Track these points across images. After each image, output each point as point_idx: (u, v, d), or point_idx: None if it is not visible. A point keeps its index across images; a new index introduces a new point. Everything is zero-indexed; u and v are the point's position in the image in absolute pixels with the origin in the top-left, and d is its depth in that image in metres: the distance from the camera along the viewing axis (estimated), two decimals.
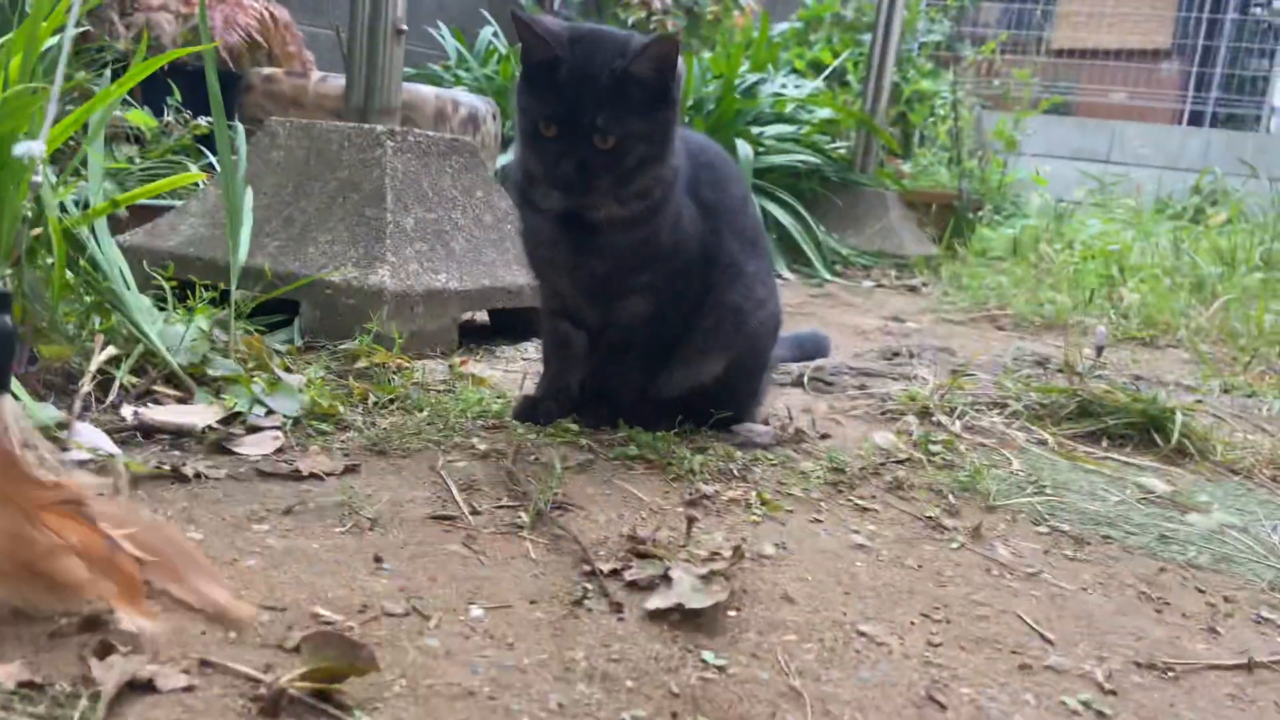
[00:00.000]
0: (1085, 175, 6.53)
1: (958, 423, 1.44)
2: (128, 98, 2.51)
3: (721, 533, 0.95)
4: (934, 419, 1.46)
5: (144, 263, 1.75)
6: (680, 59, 1.08)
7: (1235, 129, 7.76)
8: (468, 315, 1.85)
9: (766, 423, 1.34)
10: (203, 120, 2.38)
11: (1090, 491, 1.22)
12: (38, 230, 1.06)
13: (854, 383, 1.65)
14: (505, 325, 1.90)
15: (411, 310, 1.62)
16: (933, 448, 1.28)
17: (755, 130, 3.94)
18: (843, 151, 4.33)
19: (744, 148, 3.69)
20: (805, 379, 1.64)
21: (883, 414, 1.48)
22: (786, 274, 3.60)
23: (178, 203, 2.31)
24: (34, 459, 0.73)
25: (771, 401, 1.49)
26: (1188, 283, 3.46)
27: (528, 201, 1.16)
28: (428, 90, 2.68)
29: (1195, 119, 8.12)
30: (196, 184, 2.45)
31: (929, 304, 3.24)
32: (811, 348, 1.68)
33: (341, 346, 1.46)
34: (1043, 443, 1.41)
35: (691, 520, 0.91)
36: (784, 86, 4.27)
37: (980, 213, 4.59)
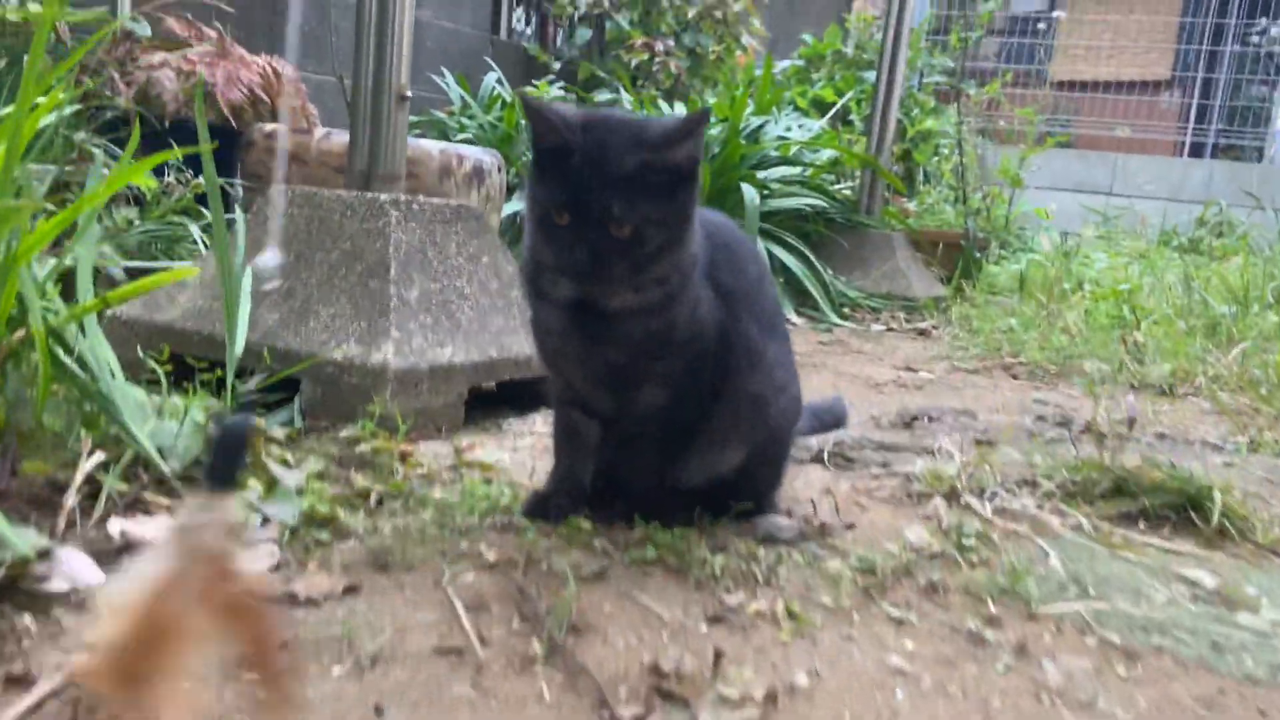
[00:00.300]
0: (1089, 209, 6.50)
1: (988, 506, 1.38)
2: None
3: (750, 664, 0.88)
4: (963, 501, 1.40)
5: (140, 339, 1.71)
6: (700, 148, 1.03)
7: (1237, 160, 7.74)
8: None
9: (789, 513, 1.27)
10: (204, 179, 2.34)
11: (1135, 589, 1.15)
12: (22, 331, 1.01)
13: (876, 458, 1.59)
14: (513, 394, 1.85)
15: (416, 387, 1.56)
16: (966, 541, 1.21)
17: (760, 174, 3.91)
18: (848, 192, 4.29)
19: (749, 192, 3.65)
20: (825, 455, 1.58)
21: (909, 495, 1.42)
22: (795, 319, 3.55)
23: (176, 264, 2.27)
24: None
25: (791, 481, 1.43)
26: (1201, 324, 3.40)
27: (538, 291, 1.11)
28: (432, 145, 2.64)
29: (1196, 150, 8.12)
30: (198, 244, 2.42)
31: (940, 349, 3.19)
32: (829, 418, 1.62)
33: (344, 434, 1.40)
34: (1078, 527, 1.34)
35: (719, 655, 0.85)
36: (788, 129, 4.24)
37: (987, 251, 4.55)
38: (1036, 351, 3.05)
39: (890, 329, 3.58)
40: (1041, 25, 7.23)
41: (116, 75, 2.53)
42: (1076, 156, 7.22)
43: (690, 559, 1.09)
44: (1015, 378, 2.85)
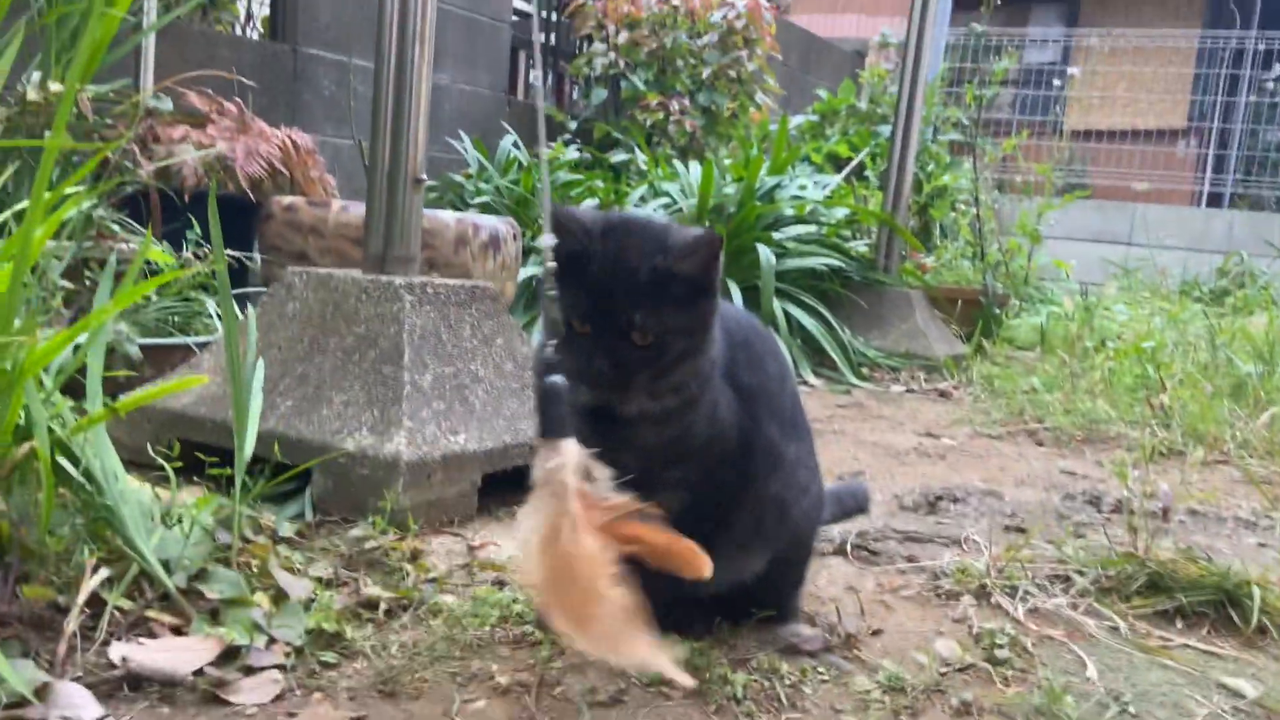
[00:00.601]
0: (1108, 261, 6.46)
1: (1020, 607, 1.33)
2: (143, 232, 2.48)
3: None
4: (993, 600, 1.35)
5: (151, 425, 1.69)
6: (720, 256, 1.01)
7: (1255, 209, 7.69)
8: None
9: (813, 619, 1.23)
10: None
11: (1175, 703, 1.10)
12: (27, 445, 0.99)
13: (901, 550, 1.54)
14: (526, 477, 1.81)
15: (428, 478, 1.54)
16: (999, 652, 1.17)
17: (776, 233, 3.90)
18: (864, 249, 4.28)
19: (765, 253, 3.64)
20: (848, 546, 1.54)
21: (937, 594, 1.37)
22: (812, 380, 3.51)
23: (191, 340, 2.26)
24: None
25: (813, 576, 1.39)
26: (1227, 384, 3.34)
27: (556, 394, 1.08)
28: (448, 216, 2.65)
29: (1214, 199, 8.08)
30: (211, 317, 2.41)
31: (962, 412, 3.14)
32: (851, 503, 1.58)
33: (353, 532, 1.38)
34: (1114, 629, 1.29)
35: None
36: (803, 187, 4.24)
37: (1006, 307, 4.51)
38: (1061, 416, 3.00)
39: (910, 390, 3.53)
40: (1057, 82, 7.25)
41: (137, 150, 2.55)
42: (1094, 207, 7.19)
43: (710, 677, 1.04)
44: (1040, 444, 2.80)
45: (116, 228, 2.34)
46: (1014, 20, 8.98)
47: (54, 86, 2.32)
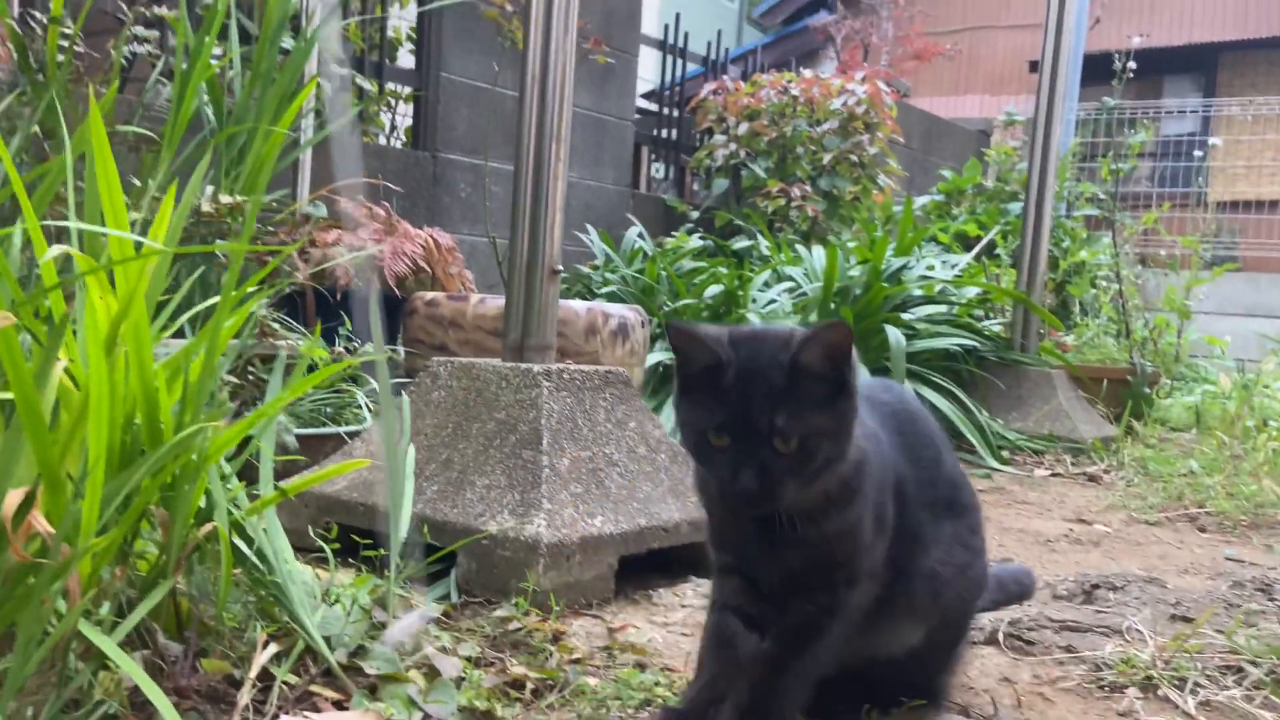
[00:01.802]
0: (1264, 337, 6.08)
1: (1190, 699, 1.24)
2: (302, 330, 2.66)
3: None
4: (1160, 692, 1.27)
5: (308, 509, 1.79)
6: (853, 350, 0.99)
7: None
8: None
9: (967, 713, 1.18)
10: (370, 347, 2.48)
11: None
12: (208, 526, 1.07)
13: (1058, 640, 1.47)
14: (662, 561, 1.82)
15: (567, 561, 1.56)
16: None
17: (905, 314, 3.85)
18: (998, 329, 4.17)
19: (894, 334, 3.60)
20: (1001, 635, 1.47)
21: (1099, 687, 1.29)
22: None
23: (343, 429, 2.39)
24: None
25: (965, 667, 1.34)
26: None
27: (715, 499, 1.09)
28: (579, 305, 2.74)
29: None
30: (360, 407, 2.55)
31: (1114, 497, 2.98)
32: (1015, 588, 1.50)
33: (497, 613, 1.41)
34: None
35: None
36: (931, 267, 4.19)
37: (1157, 386, 4.29)
38: (1223, 500, 2.81)
39: (1056, 474, 3.38)
40: (1198, 153, 6.98)
41: (295, 254, 2.75)
42: (1246, 280, 6.82)
43: None
44: (1202, 530, 2.62)
45: (276, 325, 2.52)
46: (1146, 93, 8.74)
47: (224, 199, 2.54)
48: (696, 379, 0.99)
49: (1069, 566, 2.09)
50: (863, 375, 1.10)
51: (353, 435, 2.33)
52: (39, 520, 0.82)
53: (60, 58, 2.44)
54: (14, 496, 0.79)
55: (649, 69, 5.82)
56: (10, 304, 0.84)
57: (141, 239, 0.87)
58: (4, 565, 0.81)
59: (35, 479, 0.85)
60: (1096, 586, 1.78)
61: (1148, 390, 4.12)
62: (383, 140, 4.32)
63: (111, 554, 0.93)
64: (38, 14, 2.58)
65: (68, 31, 2.45)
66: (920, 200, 5.90)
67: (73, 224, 0.94)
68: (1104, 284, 4.74)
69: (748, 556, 1.09)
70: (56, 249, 0.80)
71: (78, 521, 0.84)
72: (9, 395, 0.99)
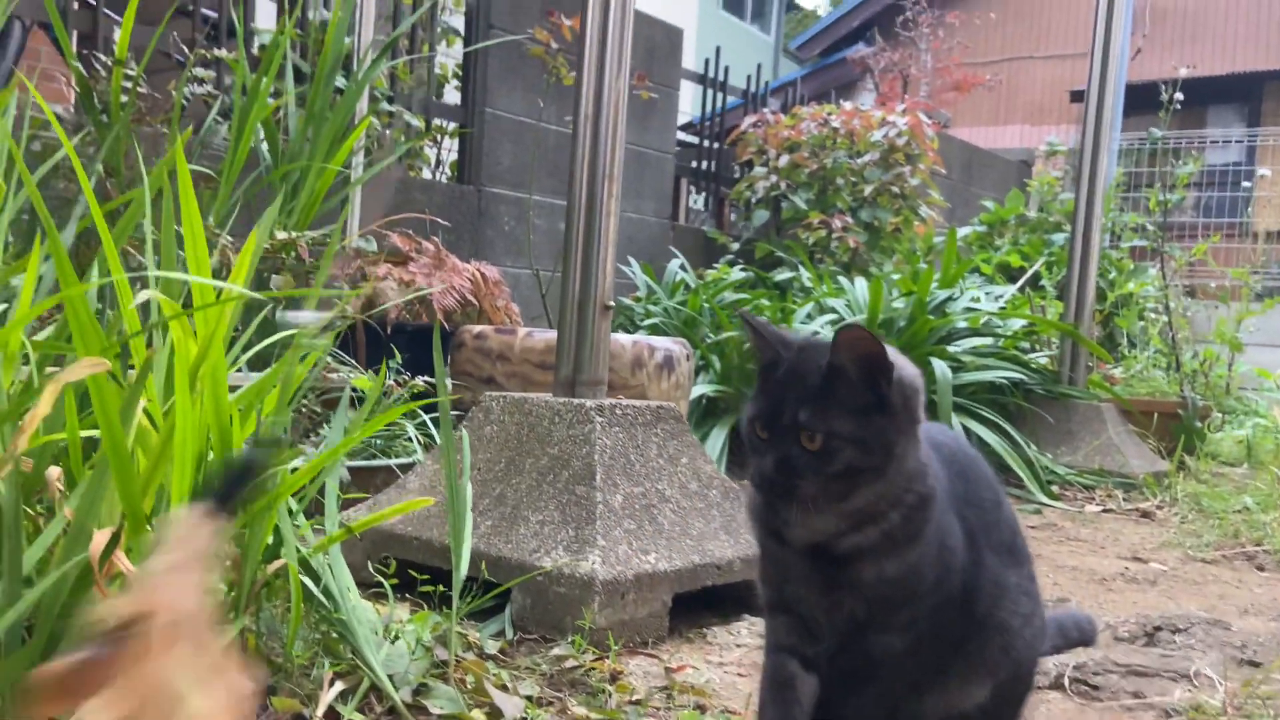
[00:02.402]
0: None
1: None
2: (351, 361, 2.69)
3: None
4: None
5: (365, 544, 1.80)
6: (900, 368, 0.99)
7: None
8: None
9: None
10: (420, 380, 2.51)
11: None
12: (278, 563, 1.08)
13: (1125, 685, 1.44)
14: (715, 598, 1.81)
15: (622, 598, 1.56)
16: None
17: (950, 347, 3.82)
18: (1045, 361, 4.12)
19: (940, 367, 3.57)
20: (1066, 680, 1.45)
21: None
22: None
23: (394, 461, 2.41)
24: None
25: (1030, 714, 1.31)
26: None
27: (766, 529, 1.08)
28: (626, 339, 2.75)
29: None
30: (412, 438, 2.57)
31: (1169, 534, 2.92)
32: (1075, 634, 1.46)
33: (554, 651, 1.41)
34: None
35: None
36: (976, 300, 4.16)
37: (1209, 420, 4.21)
38: None
39: (1108, 510, 3.32)
40: (1247, 184, 6.89)
41: (347, 286, 2.80)
42: None
43: None
44: (1262, 569, 2.56)
45: (329, 358, 2.55)
46: (1189, 122, 8.65)
47: (280, 235, 2.59)
48: (762, 373, 1.03)
49: (1127, 606, 2.05)
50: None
51: (404, 468, 2.35)
52: (122, 559, 0.84)
53: (124, 98, 2.51)
54: (101, 537, 0.81)
55: (688, 101, 5.87)
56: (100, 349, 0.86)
57: (222, 284, 0.89)
58: (89, 602, 0.82)
59: (119, 518, 0.87)
60: (1159, 629, 1.74)
61: (1199, 424, 4.04)
62: (429, 174, 4.39)
63: None
64: (101, 56, 2.66)
65: (130, 73, 2.52)
66: (962, 231, 5.87)
67: (155, 273, 0.96)
68: (1152, 316, 4.67)
69: (800, 599, 1.08)
70: (145, 294, 0.82)
71: None
72: (88, 433, 1.02)
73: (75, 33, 3.24)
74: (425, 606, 1.47)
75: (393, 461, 2.38)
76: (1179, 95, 4.51)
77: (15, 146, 1.16)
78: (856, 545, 1.01)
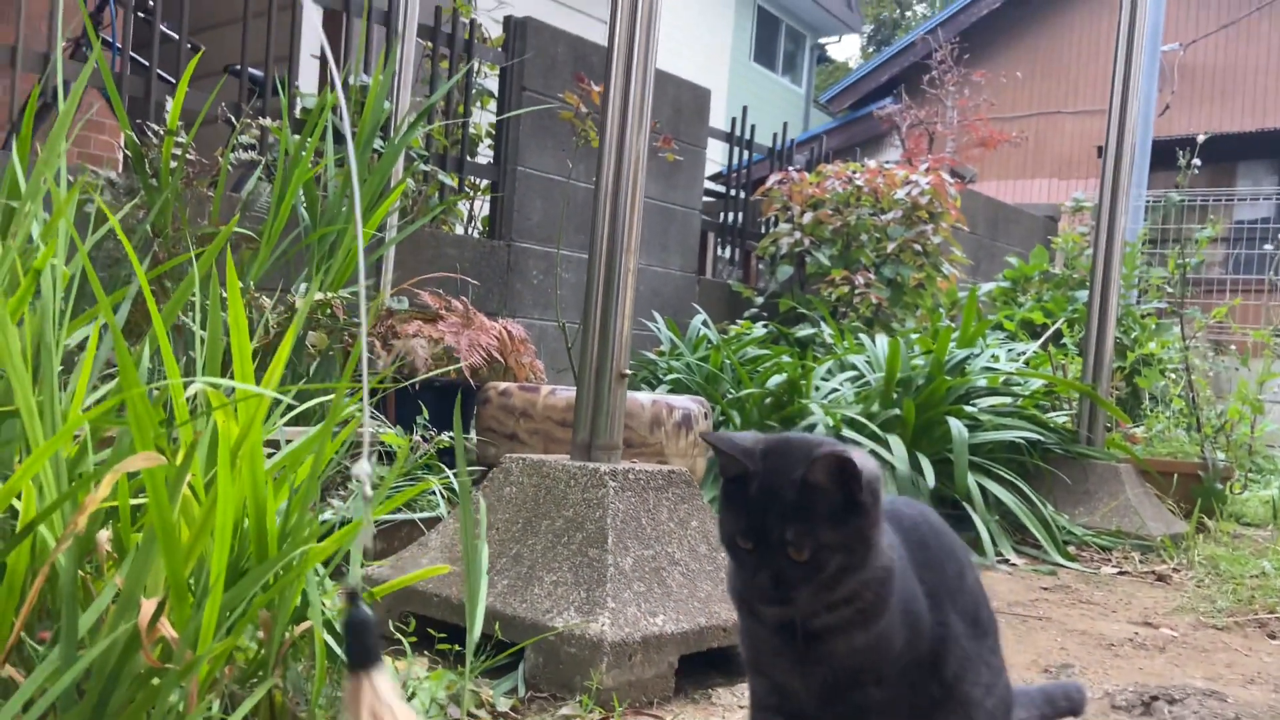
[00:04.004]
0: None
1: None
2: (381, 418, 2.80)
3: None
4: None
5: (384, 599, 1.89)
6: (866, 473, 1.06)
7: None
8: None
9: None
10: (446, 435, 2.61)
11: None
12: (305, 625, 1.17)
13: None
14: (721, 659, 1.88)
15: (630, 659, 1.63)
16: None
17: (968, 406, 3.87)
18: (1064, 420, 4.15)
19: (956, 426, 3.61)
20: None
21: None
22: (1013, 559, 3.38)
23: (417, 515, 2.51)
24: None
25: None
26: None
27: (745, 606, 1.15)
28: (645, 398, 2.84)
29: None
30: (434, 493, 2.67)
31: (1183, 599, 2.93)
32: (1064, 704, 1.51)
33: (562, 710, 1.48)
34: None
35: None
36: (995, 359, 4.20)
37: (1230, 481, 4.21)
38: None
39: (1124, 572, 3.33)
40: (1268, 247, 6.89)
41: (379, 344, 2.92)
42: None
43: None
44: (1273, 637, 2.57)
45: (357, 413, 2.66)
46: (1220, 178, 8.67)
47: (316, 295, 2.72)
48: (731, 484, 1.09)
49: (1131, 674, 2.08)
50: (889, 495, 1.16)
51: (428, 522, 2.45)
52: (166, 627, 0.93)
53: (173, 164, 2.67)
54: (148, 606, 0.91)
55: (718, 150, 6.01)
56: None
57: (263, 391, 0.99)
58: (136, 668, 0.92)
59: (164, 588, 0.96)
60: (1155, 698, 1.78)
61: (1220, 486, 4.04)
62: (461, 230, 4.54)
63: (225, 656, 1.04)
64: (154, 125, 2.82)
65: (180, 140, 2.68)
66: (986, 286, 5.93)
67: (203, 379, 1.07)
68: (1174, 375, 4.69)
69: (775, 668, 1.15)
70: (195, 385, 0.93)
71: (198, 628, 0.95)
72: (136, 501, 1.12)
73: (128, 97, 3.43)
74: (443, 663, 1.55)
75: (417, 516, 2.48)
76: (1197, 161, 4.56)
77: (76, 234, 1.28)
78: (827, 624, 1.08)
